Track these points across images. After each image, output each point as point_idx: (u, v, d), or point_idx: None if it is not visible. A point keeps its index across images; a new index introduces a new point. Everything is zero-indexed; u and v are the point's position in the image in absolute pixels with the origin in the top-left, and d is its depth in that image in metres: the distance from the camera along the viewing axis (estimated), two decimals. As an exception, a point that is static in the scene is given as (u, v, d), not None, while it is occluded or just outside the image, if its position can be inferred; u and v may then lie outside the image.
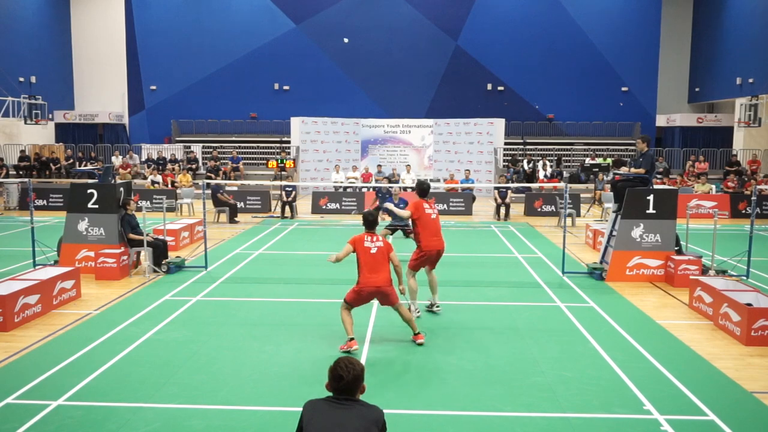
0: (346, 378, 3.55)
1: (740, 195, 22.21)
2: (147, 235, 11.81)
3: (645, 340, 8.14)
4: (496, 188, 21.08)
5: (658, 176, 22.65)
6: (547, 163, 25.51)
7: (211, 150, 28.39)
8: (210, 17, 31.41)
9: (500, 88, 31.41)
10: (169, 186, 24.20)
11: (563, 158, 28.46)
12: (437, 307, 9.33)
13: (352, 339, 7.57)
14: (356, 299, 7.70)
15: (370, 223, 7.85)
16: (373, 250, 7.60)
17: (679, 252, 12.00)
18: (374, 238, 7.69)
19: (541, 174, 24.69)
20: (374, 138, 28.83)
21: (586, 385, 6.68)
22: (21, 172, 26.02)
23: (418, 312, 9.07)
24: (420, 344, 7.85)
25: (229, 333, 8.33)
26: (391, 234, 14.95)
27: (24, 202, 21.26)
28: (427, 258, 8.98)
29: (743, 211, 21.33)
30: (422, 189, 9.26)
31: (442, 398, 6.40)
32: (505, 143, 28.62)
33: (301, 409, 3.67)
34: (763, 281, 11.50)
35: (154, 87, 31.98)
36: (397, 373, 7.07)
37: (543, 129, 31.41)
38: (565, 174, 25.09)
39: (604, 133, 31.03)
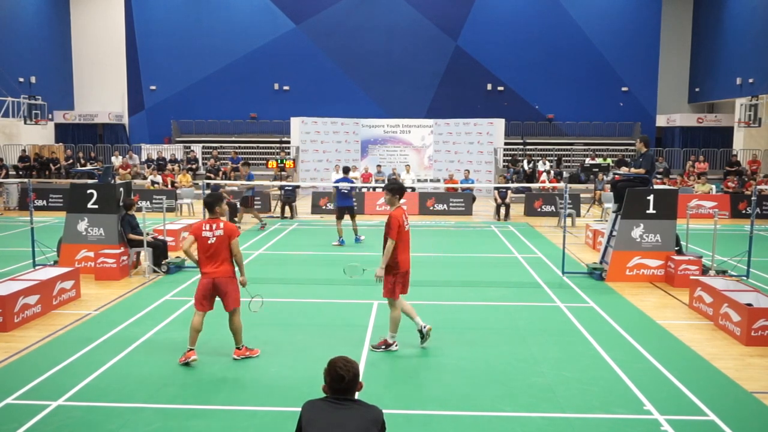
0: (347, 377, 3.54)
1: (740, 195, 22.21)
2: (147, 235, 11.81)
3: (645, 340, 8.14)
4: (496, 188, 21.08)
5: (658, 176, 22.64)
6: (548, 163, 25.49)
7: (211, 150, 28.41)
8: (210, 17, 31.41)
9: (500, 88, 31.41)
10: (169, 186, 24.18)
11: (563, 158, 28.46)
12: (426, 327, 7.74)
13: (191, 349, 7.16)
14: (200, 296, 7.15)
15: (208, 205, 7.19)
16: (211, 240, 7.01)
17: (680, 252, 12.00)
18: (213, 226, 7.06)
19: (542, 177, 24.63)
20: (374, 138, 28.83)
21: (586, 385, 6.68)
22: (21, 173, 26.02)
23: (397, 346, 7.67)
24: (235, 359, 7.31)
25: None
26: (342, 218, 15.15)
27: (24, 202, 21.25)
28: (404, 278, 7.56)
29: (743, 212, 21.33)
30: (400, 189, 7.65)
31: (442, 398, 6.39)
32: (505, 143, 28.63)
33: (300, 409, 3.67)
34: (763, 281, 11.49)
35: (153, 87, 31.98)
36: (397, 373, 7.06)
37: (543, 129, 31.41)
38: (565, 174, 25.07)
39: (604, 133, 31.04)
